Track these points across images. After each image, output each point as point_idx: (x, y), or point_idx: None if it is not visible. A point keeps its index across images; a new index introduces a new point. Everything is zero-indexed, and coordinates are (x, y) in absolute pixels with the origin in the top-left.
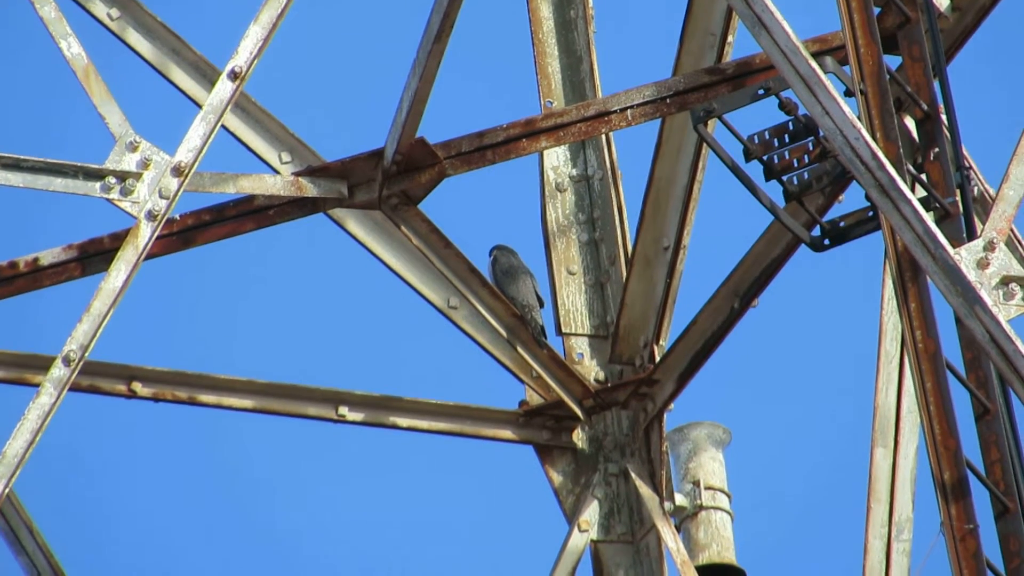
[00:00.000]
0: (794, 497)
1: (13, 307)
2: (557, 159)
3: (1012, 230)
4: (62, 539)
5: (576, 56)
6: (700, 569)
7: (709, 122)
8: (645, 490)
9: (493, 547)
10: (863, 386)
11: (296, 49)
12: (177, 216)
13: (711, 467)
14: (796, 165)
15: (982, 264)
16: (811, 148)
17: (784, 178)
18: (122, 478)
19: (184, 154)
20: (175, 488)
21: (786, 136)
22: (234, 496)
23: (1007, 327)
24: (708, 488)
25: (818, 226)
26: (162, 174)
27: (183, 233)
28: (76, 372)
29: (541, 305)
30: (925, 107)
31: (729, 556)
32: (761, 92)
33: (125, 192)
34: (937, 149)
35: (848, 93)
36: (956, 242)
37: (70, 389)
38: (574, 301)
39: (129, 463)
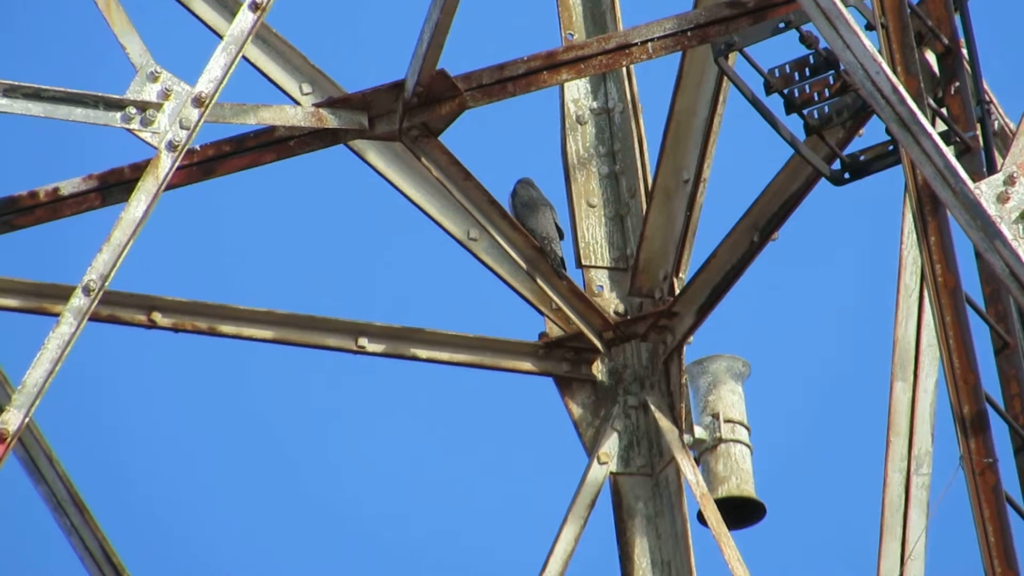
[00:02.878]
0: (813, 430)
1: (33, 237)
2: (578, 91)
3: None
4: (81, 469)
5: None
6: (719, 502)
7: (730, 55)
8: (664, 423)
9: (512, 479)
10: (882, 320)
11: None
12: (197, 147)
13: (730, 400)
14: (817, 99)
15: (1002, 198)
16: (832, 82)
17: (805, 112)
18: (141, 408)
19: (205, 85)
20: (194, 418)
21: (807, 70)
22: (250, 427)
23: None
24: (727, 421)
25: (838, 160)
26: (183, 105)
27: (203, 164)
28: (96, 302)
29: (561, 237)
30: (946, 41)
31: (748, 489)
32: (782, 25)
33: (145, 122)
34: (958, 83)
35: (869, 27)
36: (976, 176)
37: (90, 319)
38: (594, 233)
39: (148, 393)
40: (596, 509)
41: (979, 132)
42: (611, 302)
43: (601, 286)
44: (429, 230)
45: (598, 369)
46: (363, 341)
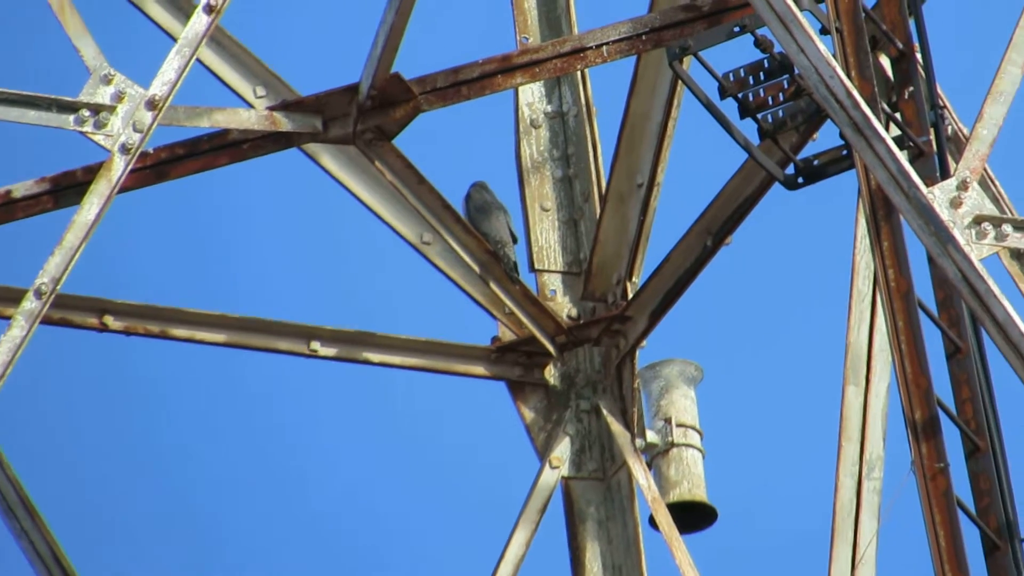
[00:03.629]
0: (765, 434)
1: None
2: (532, 95)
3: (985, 169)
4: (32, 470)
5: None
6: (671, 506)
7: (684, 59)
8: (616, 427)
9: (464, 483)
10: (835, 324)
11: None
12: (151, 149)
13: (683, 404)
14: (771, 103)
15: (955, 203)
16: (786, 86)
17: (759, 116)
18: (92, 412)
19: (159, 87)
20: (145, 420)
21: (761, 74)
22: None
23: (979, 266)
24: (679, 425)
25: (792, 164)
26: (136, 107)
27: (157, 167)
28: (48, 305)
29: (515, 241)
30: (900, 46)
31: (700, 493)
32: (737, 29)
33: (99, 125)
34: (912, 88)
35: (824, 31)
36: (929, 181)
37: (42, 322)
38: (547, 237)
39: (98, 396)
40: (548, 513)
41: (933, 137)
42: (564, 306)
43: (554, 290)
44: (383, 234)
45: (550, 373)
46: (315, 345)
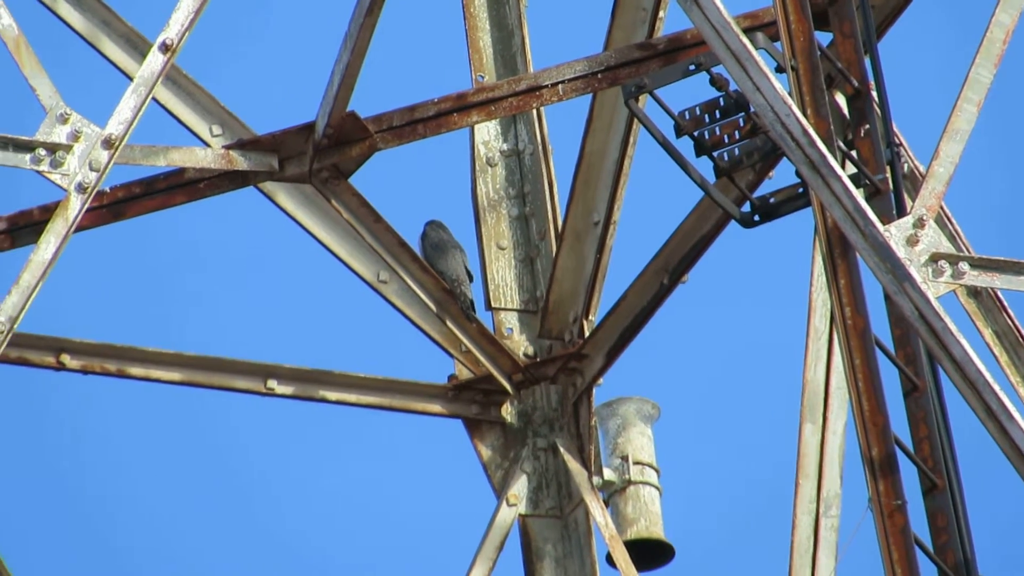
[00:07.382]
0: (723, 472)
1: None
2: (488, 133)
3: (942, 207)
4: None
5: (508, 30)
6: (628, 544)
7: (640, 97)
8: (574, 465)
9: (421, 521)
10: (792, 362)
11: (228, 21)
12: (107, 189)
13: (640, 442)
14: (727, 141)
15: (912, 241)
16: (742, 124)
17: (715, 154)
18: (51, 450)
19: (115, 126)
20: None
21: (717, 112)
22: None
23: (936, 304)
24: (637, 463)
25: (748, 202)
26: (93, 146)
27: (113, 206)
28: (5, 344)
29: (471, 279)
30: (856, 83)
31: (657, 531)
32: (692, 68)
33: (55, 164)
34: (867, 126)
35: (779, 69)
36: (886, 219)
37: None
38: (504, 276)
39: (60, 435)
40: (505, 551)
41: (889, 175)
42: (521, 344)
43: (511, 328)
44: (339, 272)
45: (507, 411)
46: (272, 383)
